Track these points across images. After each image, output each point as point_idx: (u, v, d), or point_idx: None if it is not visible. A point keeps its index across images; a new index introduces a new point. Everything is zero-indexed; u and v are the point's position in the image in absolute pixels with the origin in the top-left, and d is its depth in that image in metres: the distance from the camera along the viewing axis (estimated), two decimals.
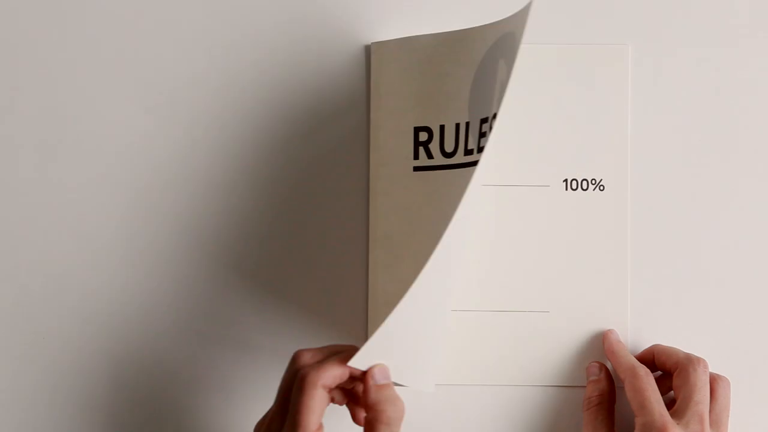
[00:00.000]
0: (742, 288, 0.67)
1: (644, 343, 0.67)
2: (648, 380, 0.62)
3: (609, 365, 0.66)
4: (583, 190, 0.67)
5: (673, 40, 0.68)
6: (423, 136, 0.66)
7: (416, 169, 0.65)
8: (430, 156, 0.65)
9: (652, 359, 0.66)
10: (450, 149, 0.65)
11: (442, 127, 0.65)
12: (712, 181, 0.68)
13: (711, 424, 0.62)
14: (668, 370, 0.64)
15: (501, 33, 0.61)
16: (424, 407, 0.67)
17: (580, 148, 0.67)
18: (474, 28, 0.64)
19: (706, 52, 0.68)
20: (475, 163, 0.58)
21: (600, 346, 0.67)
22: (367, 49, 0.68)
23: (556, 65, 0.68)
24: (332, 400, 0.57)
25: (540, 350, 0.67)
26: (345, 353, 0.56)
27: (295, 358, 0.57)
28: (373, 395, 0.55)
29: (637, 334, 0.67)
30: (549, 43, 0.68)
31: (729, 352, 0.67)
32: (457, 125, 0.64)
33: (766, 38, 0.68)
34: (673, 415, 0.61)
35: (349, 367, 0.55)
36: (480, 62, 0.63)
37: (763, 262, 0.68)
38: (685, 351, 0.64)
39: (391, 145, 0.66)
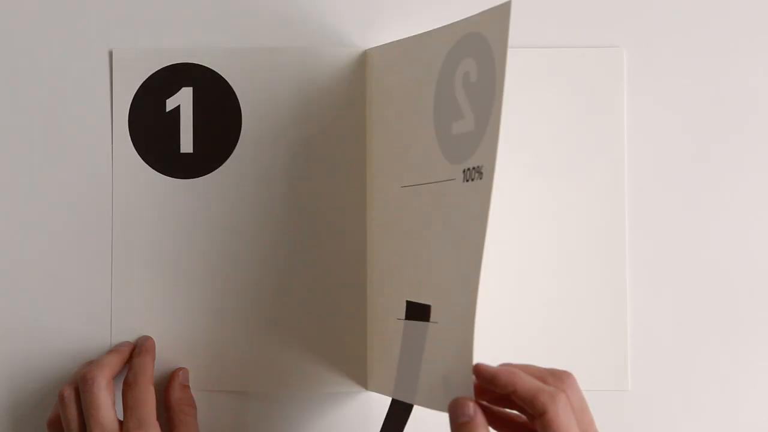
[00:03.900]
0: (740, 286, 0.68)
1: (643, 344, 0.67)
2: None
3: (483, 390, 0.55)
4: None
5: (667, 43, 0.68)
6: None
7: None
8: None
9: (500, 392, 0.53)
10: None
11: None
12: (709, 182, 0.68)
13: None
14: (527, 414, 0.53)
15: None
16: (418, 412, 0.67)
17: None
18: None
19: (700, 54, 0.68)
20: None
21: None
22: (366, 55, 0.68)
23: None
24: None
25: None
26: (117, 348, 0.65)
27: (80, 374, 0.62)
28: (177, 394, 0.64)
29: (636, 334, 0.67)
30: (544, 46, 0.68)
31: (729, 351, 0.67)
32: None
33: (761, 40, 0.68)
34: None
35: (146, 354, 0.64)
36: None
37: (762, 260, 0.68)
38: (537, 386, 0.52)
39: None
